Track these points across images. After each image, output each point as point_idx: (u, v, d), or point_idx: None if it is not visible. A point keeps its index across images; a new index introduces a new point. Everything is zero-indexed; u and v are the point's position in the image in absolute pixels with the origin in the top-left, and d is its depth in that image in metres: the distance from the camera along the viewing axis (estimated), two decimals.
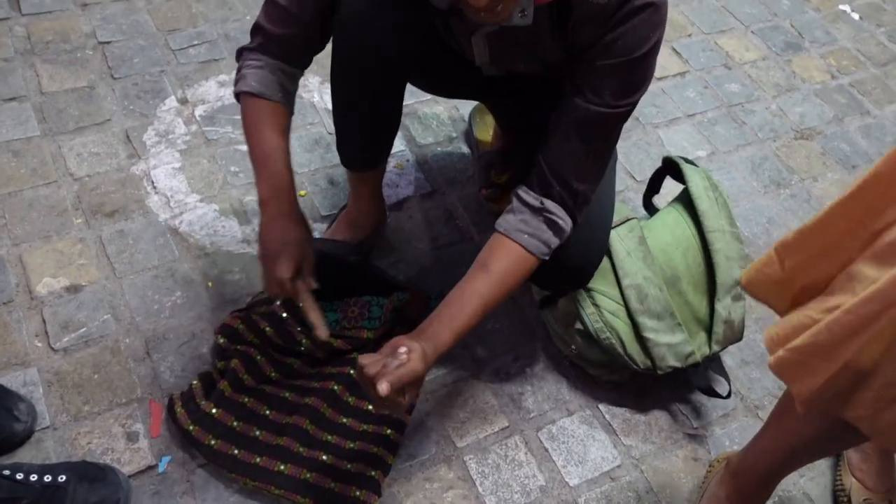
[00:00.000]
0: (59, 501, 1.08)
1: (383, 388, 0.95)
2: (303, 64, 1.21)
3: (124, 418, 1.26)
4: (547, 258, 1.13)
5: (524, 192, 1.12)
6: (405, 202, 1.66)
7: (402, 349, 1.00)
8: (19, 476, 1.07)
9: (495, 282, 1.09)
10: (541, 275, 1.31)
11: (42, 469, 1.10)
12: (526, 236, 1.10)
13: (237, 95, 1.19)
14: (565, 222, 1.11)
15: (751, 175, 1.86)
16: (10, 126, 1.63)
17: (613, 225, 1.36)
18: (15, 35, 1.80)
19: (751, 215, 1.77)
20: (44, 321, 1.36)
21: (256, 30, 1.17)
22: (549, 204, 1.10)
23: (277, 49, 1.16)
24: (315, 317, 1.17)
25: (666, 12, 1.03)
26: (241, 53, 1.19)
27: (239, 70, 1.18)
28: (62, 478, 1.10)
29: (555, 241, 1.12)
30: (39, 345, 1.33)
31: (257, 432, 1.22)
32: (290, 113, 1.22)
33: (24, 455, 1.20)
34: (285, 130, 1.20)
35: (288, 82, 1.20)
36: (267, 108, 1.18)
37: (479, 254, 1.13)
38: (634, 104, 1.08)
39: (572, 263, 1.26)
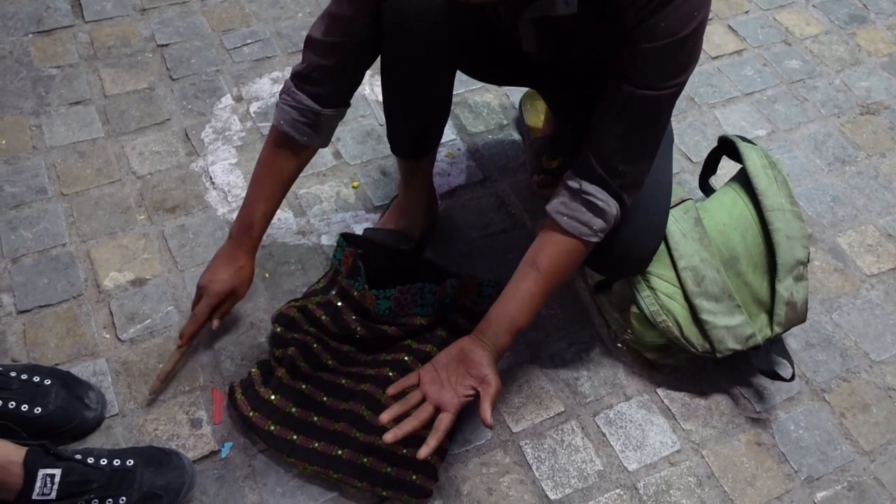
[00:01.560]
0: (127, 484, 1.12)
1: (491, 423, 1.05)
2: (346, 98, 1.25)
3: (188, 405, 1.30)
4: (594, 240, 1.12)
5: (567, 176, 1.13)
6: (457, 191, 1.66)
7: (485, 375, 1.08)
8: (90, 460, 1.12)
9: (544, 277, 1.12)
10: (598, 261, 1.31)
11: (111, 454, 1.15)
12: (566, 218, 1.11)
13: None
14: (607, 204, 1.10)
15: (814, 153, 1.80)
16: (76, 128, 1.70)
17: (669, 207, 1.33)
18: (79, 41, 1.87)
19: (814, 194, 1.72)
20: (111, 313, 1.41)
21: (308, 49, 1.20)
22: (588, 186, 1.09)
23: (319, 88, 1.19)
24: (167, 366, 1.30)
25: None
26: (289, 80, 1.22)
27: (279, 101, 1.23)
28: (130, 462, 1.14)
29: (598, 223, 1.10)
30: (107, 336, 1.38)
31: (315, 418, 1.24)
32: (318, 147, 1.27)
33: (95, 441, 1.25)
34: (292, 176, 1.28)
35: (324, 122, 1.23)
36: (283, 152, 1.24)
37: (531, 245, 1.14)
38: (681, 85, 1.06)
39: (629, 249, 1.24)
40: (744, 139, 1.45)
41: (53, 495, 1.06)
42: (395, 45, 1.19)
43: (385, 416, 1.07)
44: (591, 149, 1.09)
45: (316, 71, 1.19)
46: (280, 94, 1.22)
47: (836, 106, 1.91)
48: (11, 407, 1.18)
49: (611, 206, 1.10)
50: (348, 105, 1.26)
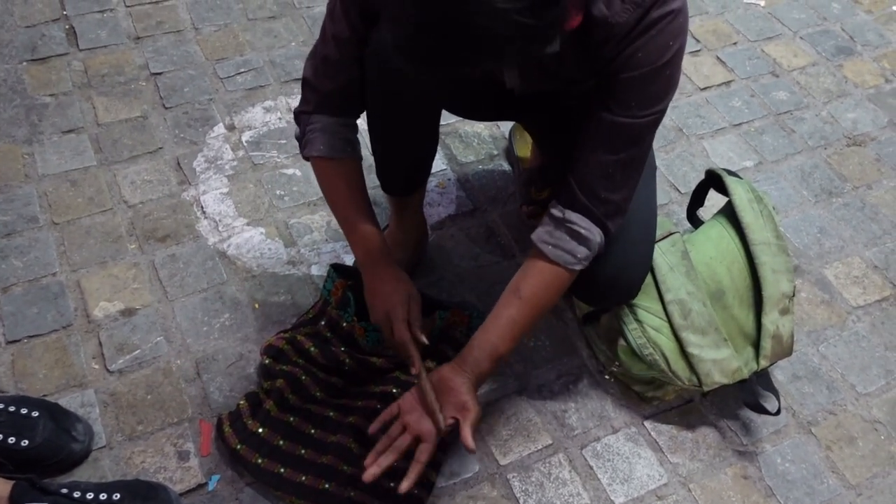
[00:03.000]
0: None
1: (470, 442, 1.07)
2: (359, 111, 1.25)
3: (176, 437, 1.30)
4: (578, 268, 1.12)
5: (551, 205, 1.14)
6: (446, 221, 1.67)
7: (465, 401, 1.10)
8: (77, 494, 1.12)
9: (526, 305, 1.13)
10: (586, 291, 1.32)
11: (98, 487, 1.15)
12: (550, 247, 1.12)
13: (307, 158, 1.24)
14: (590, 232, 1.11)
15: (801, 184, 1.82)
16: (68, 157, 1.71)
17: (656, 240, 1.35)
18: (73, 69, 1.89)
19: (801, 226, 1.73)
20: (100, 344, 1.41)
21: (307, 88, 1.21)
22: (571, 214, 1.10)
23: (332, 105, 1.20)
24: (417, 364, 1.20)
25: (686, 19, 1.02)
26: (298, 117, 1.23)
27: (303, 135, 1.23)
28: (117, 496, 1.14)
29: (582, 251, 1.11)
30: (96, 367, 1.38)
31: (302, 451, 1.25)
32: (360, 160, 1.26)
33: (82, 474, 1.24)
34: (362, 185, 1.26)
35: (351, 134, 1.24)
36: (340, 168, 1.23)
37: (515, 274, 1.15)
38: (661, 112, 1.07)
39: (617, 279, 1.26)
40: (730, 172, 1.47)
41: None
42: (379, 91, 1.20)
43: (369, 460, 1.08)
44: (574, 177, 1.11)
45: (322, 99, 1.20)
46: (301, 129, 1.22)
47: (822, 137, 1.93)
48: None
49: (594, 233, 1.11)
50: (361, 112, 1.26)
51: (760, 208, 1.40)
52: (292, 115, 1.24)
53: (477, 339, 1.14)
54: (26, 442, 1.20)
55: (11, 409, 1.22)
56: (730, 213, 1.43)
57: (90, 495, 1.12)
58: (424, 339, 1.21)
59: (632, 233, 1.25)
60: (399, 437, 1.10)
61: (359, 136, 1.26)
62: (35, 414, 1.23)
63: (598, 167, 1.09)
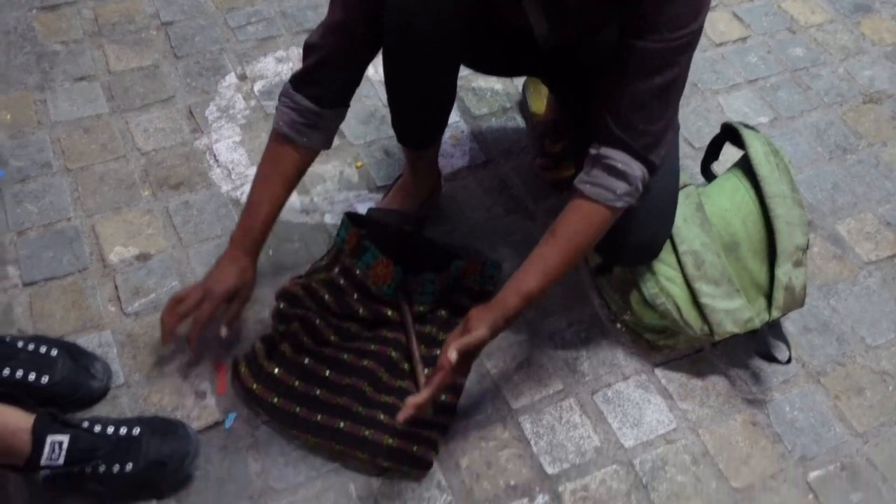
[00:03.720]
0: (134, 452, 1.13)
1: (452, 356, 1.05)
2: (341, 102, 1.24)
3: (193, 377, 1.31)
4: (620, 204, 1.10)
5: (591, 146, 1.12)
6: (460, 172, 1.67)
7: (473, 327, 1.09)
8: (97, 428, 1.13)
9: (559, 242, 1.12)
10: (609, 249, 1.32)
11: (118, 422, 1.16)
12: (588, 186, 1.10)
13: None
14: (628, 166, 1.09)
15: (815, 141, 1.81)
16: (80, 104, 1.71)
17: None
18: (83, 18, 1.88)
19: (815, 182, 1.73)
20: (116, 287, 1.42)
21: (305, 55, 1.19)
22: (607, 150, 1.09)
23: (317, 88, 1.19)
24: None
25: None
26: (287, 84, 1.22)
27: (278, 104, 1.22)
28: (136, 430, 1.15)
29: (621, 186, 1.09)
30: (112, 309, 1.40)
31: (318, 391, 1.26)
32: (319, 150, 1.26)
33: (101, 410, 1.26)
34: (294, 177, 1.26)
35: (323, 122, 1.22)
36: (284, 153, 1.23)
37: None
38: (692, 35, 1.04)
39: (641, 237, 1.26)
40: (747, 126, 1.46)
41: (61, 461, 1.08)
42: (397, 46, 1.18)
43: (401, 417, 1.08)
44: (609, 111, 1.09)
45: (314, 73, 1.19)
46: (279, 98, 1.22)
47: (838, 94, 1.92)
48: (19, 376, 1.20)
49: (633, 167, 1.09)
50: (348, 105, 1.25)
51: (776, 161, 1.40)
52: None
53: (512, 278, 1.14)
54: (46, 379, 1.21)
55: (31, 347, 1.23)
56: (745, 167, 1.42)
57: (111, 429, 1.14)
58: (224, 331, 1.25)
59: (657, 191, 1.24)
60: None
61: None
62: (54, 352, 1.24)
63: (633, 98, 1.07)
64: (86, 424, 1.13)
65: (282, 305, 1.36)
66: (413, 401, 1.07)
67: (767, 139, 1.43)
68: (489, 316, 1.10)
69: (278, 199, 1.26)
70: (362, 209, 1.56)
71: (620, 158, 1.09)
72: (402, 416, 1.07)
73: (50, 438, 1.08)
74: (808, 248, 1.37)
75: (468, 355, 1.10)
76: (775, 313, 1.35)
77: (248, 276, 1.27)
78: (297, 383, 1.27)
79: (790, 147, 1.79)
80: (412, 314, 1.36)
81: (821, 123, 1.85)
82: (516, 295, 1.12)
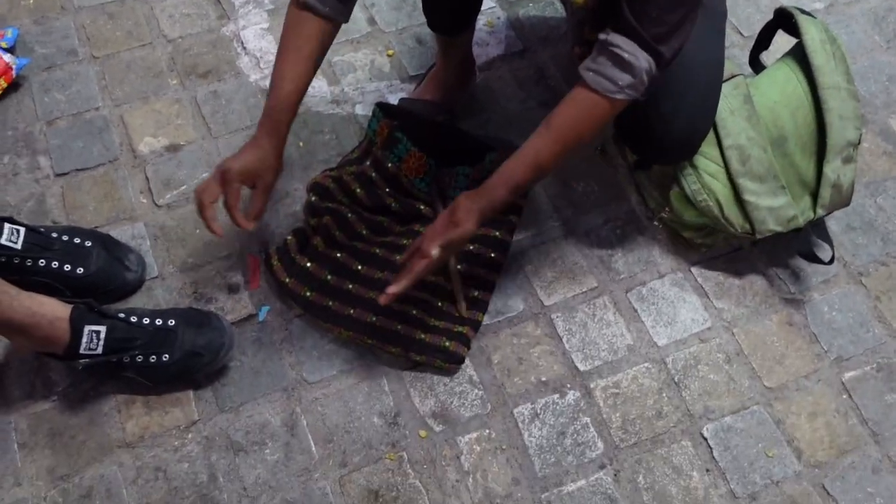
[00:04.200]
0: (169, 343, 1.15)
1: (435, 252, 1.07)
2: None
3: (225, 270, 1.32)
4: (621, 97, 1.04)
5: (601, 31, 1.05)
6: (495, 61, 1.61)
7: (459, 219, 1.09)
8: (133, 319, 1.15)
9: (553, 134, 1.08)
10: (645, 146, 1.27)
11: (153, 314, 1.18)
12: (591, 74, 1.04)
13: None
14: (634, 57, 1.01)
15: (873, 29, 1.70)
16: None
17: None
18: None
19: (869, 73, 1.63)
20: (147, 178, 1.41)
21: None
22: (616, 37, 1.01)
23: None
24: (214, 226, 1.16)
25: None
26: None
27: None
28: (172, 322, 1.17)
29: (624, 78, 1.02)
30: (144, 201, 1.39)
31: (350, 286, 1.26)
32: (339, 23, 1.15)
33: (137, 302, 1.28)
34: (317, 50, 1.15)
35: None
36: (304, 22, 1.12)
37: None
38: None
39: (677, 135, 1.20)
40: (802, 11, 1.37)
41: (100, 351, 1.10)
42: None
43: (384, 296, 1.11)
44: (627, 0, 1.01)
45: None
46: None
47: None
48: (55, 267, 1.21)
49: (640, 59, 1.02)
50: None
51: (833, 50, 1.32)
52: None
53: (501, 167, 1.11)
54: (81, 270, 1.22)
55: (65, 238, 1.24)
56: (799, 55, 1.34)
57: (146, 321, 1.16)
58: (251, 225, 1.16)
59: (697, 84, 1.18)
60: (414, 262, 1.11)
61: None
62: (88, 243, 1.25)
63: None
64: (122, 315, 1.14)
65: (313, 198, 1.35)
66: (392, 290, 1.09)
67: (825, 25, 1.34)
68: (476, 208, 1.09)
69: (301, 75, 1.15)
70: (394, 100, 1.52)
71: (628, 47, 1.01)
72: (382, 300, 1.10)
73: (87, 328, 1.09)
74: (859, 143, 1.31)
75: (451, 248, 1.11)
76: (820, 212, 1.30)
77: (269, 160, 1.16)
78: (329, 277, 1.27)
79: (845, 35, 1.68)
80: (445, 207, 1.34)
81: (880, 10, 1.73)
82: (504, 187, 1.09)
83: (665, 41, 1.02)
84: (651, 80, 1.04)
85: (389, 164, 1.35)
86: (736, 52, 1.64)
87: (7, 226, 1.19)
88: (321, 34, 1.15)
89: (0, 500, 1.12)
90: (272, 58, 1.56)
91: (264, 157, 1.16)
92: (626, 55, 1.01)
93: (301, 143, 1.47)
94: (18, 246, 1.19)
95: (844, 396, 1.25)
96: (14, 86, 1.51)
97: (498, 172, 1.10)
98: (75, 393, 1.20)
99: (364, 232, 1.32)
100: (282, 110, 1.15)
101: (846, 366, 1.28)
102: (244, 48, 1.59)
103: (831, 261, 1.30)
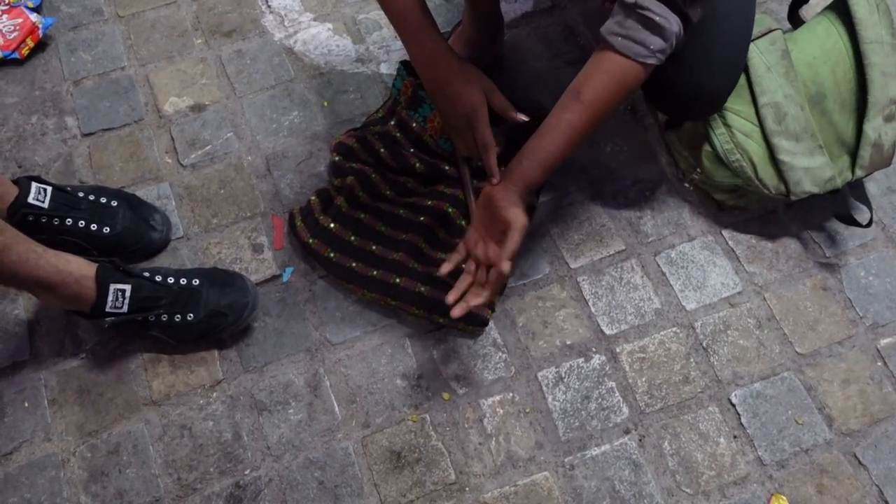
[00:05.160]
0: (194, 302, 1.16)
1: (506, 271, 1.02)
2: None
3: (250, 231, 1.32)
4: (652, 61, 1.00)
5: None
6: (524, 18, 1.56)
7: (507, 218, 1.03)
8: (158, 278, 1.16)
9: (588, 109, 1.03)
10: (667, 101, 1.23)
11: (178, 273, 1.18)
12: (620, 39, 0.99)
13: None
14: (666, 19, 0.97)
15: None
16: None
17: (753, 37, 1.23)
18: None
19: None
20: (172, 139, 1.41)
21: None
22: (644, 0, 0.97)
23: None
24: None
25: None
26: None
27: None
28: (196, 281, 1.18)
29: (656, 42, 0.98)
30: (169, 161, 1.39)
31: (373, 247, 1.25)
32: None
33: (162, 261, 1.29)
34: None
35: None
36: None
37: (579, 74, 1.05)
38: None
39: (701, 88, 1.16)
40: None
41: (125, 309, 1.11)
42: None
43: (444, 269, 1.07)
44: None
45: None
46: None
47: None
48: (81, 226, 1.22)
49: (671, 21, 0.98)
50: None
51: (877, 2, 1.25)
52: None
53: (529, 146, 1.06)
54: (108, 229, 1.23)
55: (91, 197, 1.25)
56: (840, 8, 1.28)
57: (171, 279, 1.16)
58: (495, 144, 1.13)
59: (722, 38, 1.13)
60: (476, 272, 1.08)
61: None
62: (114, 203, 1.26)
63: None
64: (147, 274, 1.15)
65: (337, 158, 1.33)
66: (474, 302, 1.05)
67: None
68: (515, 198, 1.05)
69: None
70: None
71: (658, 10, 0.96)
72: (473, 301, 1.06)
73: (113, 287, 1.10)
74: None
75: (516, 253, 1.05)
76: (859, 172, 1.26)
77: (478, 78, 1.14)
78: (352, 238, 1.26)
79: None
80: (469, 169, 1.32)
81: None
82: (539, 167, 1.05)
83: (694, 4, 0.98)
84: (678, 44, 1.01)
85: (414, 124, 1.33)
86: (774, 6, 1.57)
87: (35, 185, 1.20)
88: None
89: (31, 455, 1.15)
90: (296, 16, 1.55)
91: (485, 84, 1.14)
92: (657, 18, 0.97)
93: (325, 103, 1.45)
94: (45, 205, 1.20)
95: (879, 364, 1.22)
96: (41, 45, 1.51)
97: (530, 152, 1.05)
98: (103, 351, 1.22)
99: (388, 192, 1.31)
100: (440, 40, 1.11)
101: (882, 332, 1.25)
102: (269, 6, 1.57)
103: (869, 223, 1.26)
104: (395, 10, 1.10)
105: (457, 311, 1.05)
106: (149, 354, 1.21)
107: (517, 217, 1.03)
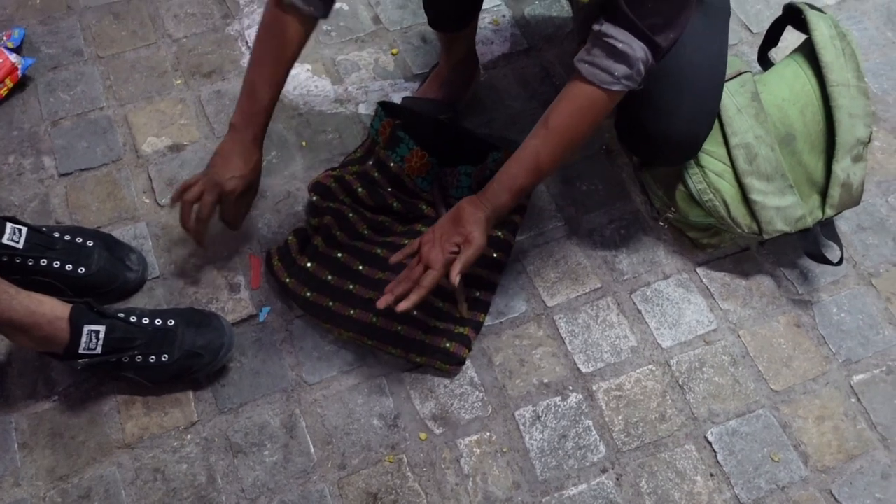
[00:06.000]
0: (169, 342, 1.15)
1: (455, 280, 1.05)
2: None
3: (226, 271, 1.32)
4: (617, 88, 1.02)
5: (594, 22, 1.02)
6: (500, 60, 1.59)
7: (469, 233, 1.07)
8: (133, 319, 1.15)
9: (553, 134, 1.06)
10: (645, 147, 1.25)
11: (153, 314, 1.18)
12: (586, 66, 1.02)
13: None
14: (629, 46, 0.99)
15: (885, 25, 1.67)
16: None
17: (725, 79, 1.26)
18: None
19: (882, 70, 1.60)
20: (150, 178, 1.41)
21: None
22: (609, 28, 0.99)
23: None
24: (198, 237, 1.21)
25: None
26: None
27: None
28: (171, 322, 1.17)
29: (620, 69, 1.00)
30: (147, 201, 1.39)
31: (351, 286, 1.25)
32: (319, 17, 1.12)
33: (138, 301, 1.28)
34: (297, 53, 1.15)
35: None
36: (289, 28, 1.10)
37: None
38: None
39: (676, 136, 1.18)
40: (812, 7, 1.34)
41: (99, 350, 1.10)
42: None
43: (386, 289, 1.09)
44: None
45: None
46: None
47: None
48: (56, 266, 1.21)
49: (635, 48, 0.99)
50: None
51: (843, 46, 1.29)
52: None
53: (500, 171, 1.10)
54: (83, 269, 1.22)
55: (67, 237, 1.24)
56: (808, 52, 1.32)
57: (146, 320, 1.16)
58: (238, 226, 1.21)
59: (698, 83, 1.16)
60: (415, 268, 1.09)
61: None
62: (90, 243, 1.25)
63: None
64: (122, 315, 1.14)
65: (314, 198, 1.34)
66: (402, 307, 1.06)
67: (834, 21, 1.32)
68: (482, 217, 1.08)
69: (280, 81, 1.16)
70: (398, 99, 1.51)
71: (622, 38, 0.99)
72: (381, 303, 1.08)
73: (87, 328, 1.09)
74: (869, 141, 1.28)
75: (468, 266, 1.08)
76: (829, 211, 1.28)
77: (259, 169, 1.21)
78: (330, 277, 1.26)
79: (858, 31, 1.65)
80: (447, 208, 1.33)
81: (893, 5, 1.70)
82: (508, 192, 1.09)
83: (660, 30, 1.00)
84: (646, 69, 1.03)
85: (392, 164, 1.34)
86: (745, 48, 1.61)
87: (9, 225, 1.19)
88: (302, 36, 1.13)
89: (0, 500, 1.12)
90: None
91: (256, 167, 1.19)
92: (620, 45, 0.99)
93: (304, 143, 1.46)
94: (20, 245, 1.19)
95: (853, 400, 1.23)
96: (20, 85, 1.51)
97: (499, 177, 1.09)
98: (76, 393, 1.20)
99: (365, 232, 1.31)
100: (266, 116, 1.16)
101: (855, 368, 1.26)
102: (248, 47, 1.59)
103: (840, 261, 1.28)
104: (252, 70, 1.15)
105: (380, 303, 1.08)
106: (123, 396, 1.20)
107: (477, 237, 1.07)
